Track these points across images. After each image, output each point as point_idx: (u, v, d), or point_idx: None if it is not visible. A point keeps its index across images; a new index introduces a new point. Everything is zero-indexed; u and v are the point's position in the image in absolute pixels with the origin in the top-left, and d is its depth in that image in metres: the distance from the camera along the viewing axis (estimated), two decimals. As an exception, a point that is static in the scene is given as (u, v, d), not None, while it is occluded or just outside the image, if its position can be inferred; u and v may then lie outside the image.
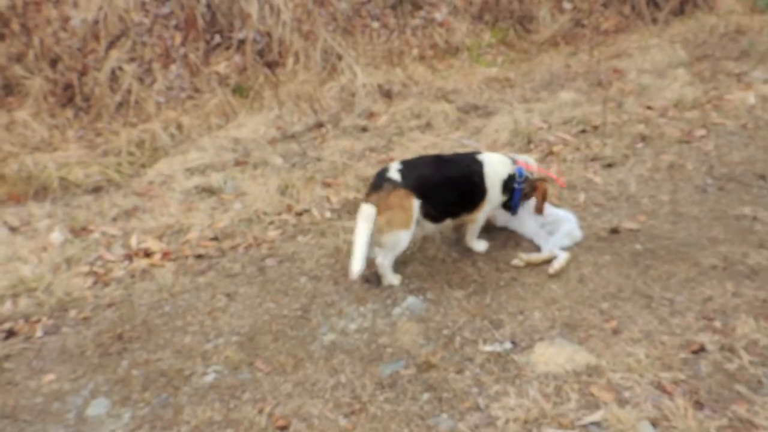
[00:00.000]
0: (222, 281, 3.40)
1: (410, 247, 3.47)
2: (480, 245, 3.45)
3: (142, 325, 3.08)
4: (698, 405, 2.33)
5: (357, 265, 2.92)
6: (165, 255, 3.65)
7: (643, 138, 4.66)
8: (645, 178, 4.14)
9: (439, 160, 3.27)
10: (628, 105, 5.29)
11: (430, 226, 3.26)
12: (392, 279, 3.21)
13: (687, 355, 2.58)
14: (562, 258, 3.25)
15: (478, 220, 3.35)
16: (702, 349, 2.60)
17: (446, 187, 3.16)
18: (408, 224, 3.05)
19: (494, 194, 3.28)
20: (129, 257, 3.66)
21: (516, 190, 3.32)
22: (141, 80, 5.88)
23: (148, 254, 3.66)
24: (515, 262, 3.31)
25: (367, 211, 2.99)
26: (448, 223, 3.34)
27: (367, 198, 3.06)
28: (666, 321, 2.79)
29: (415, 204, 3.06)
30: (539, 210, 3.40)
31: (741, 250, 3.26)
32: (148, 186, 4.54)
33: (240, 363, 2.77)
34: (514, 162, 3.34)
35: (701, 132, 4.68)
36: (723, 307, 2.84)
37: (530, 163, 3.45)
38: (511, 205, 3.39)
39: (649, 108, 5.20)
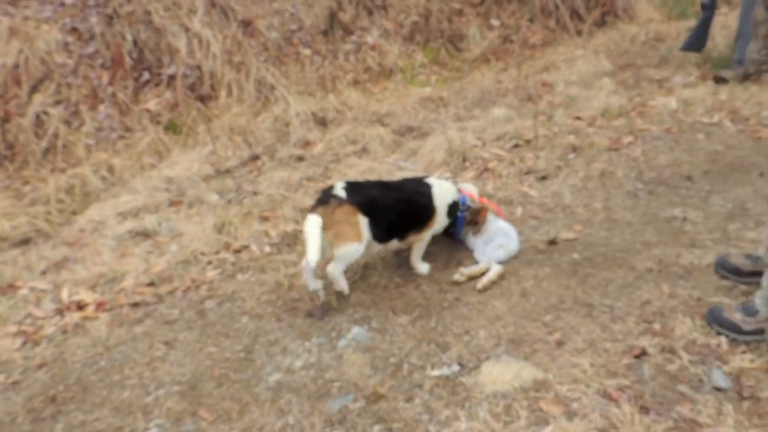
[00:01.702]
0: (160, 329, 3.27)
1: (352, 276, 3.43)
2: (423, 267, 3.45)
3: (76, 383, 2.92)
4: (644, 410, 2.35)
5: (313, 255, 2.90)
6: (99, 306, 3.49)
7: (574, 148, 4.76)
8: (578, 187, 4.23)
9: (384, 184, 3.34)
10: (558, 117, 5.41)
11: (375, 247, 3.29)
12: (344, 285, 3.19)
13: (630, 360, 2.61)
14: (492, 272, 3.27)
15: (426, 239, 3.40)
16: (644, 353, 2.64)
17: (393, 208, 3.20)
18: (359, 237, 3.08)
19: (441, 215, 3.37)
20: (60, 312, 3.49)
21: (459, 218, 3.44)
22: (68, 123, 5.68)
23: (80, 307, 3.49)
24: (456, 277, 3.32)
25: (313, 219, 2.97)
26: (394, 243, 3.35)
27: (313, 209, 3.05)
28: (608, 328, 2.83)
29: (362, 219, 3.08)
30: (477, 231, 3.53)
31: (674, 251, 3.34)
32: (79, 234, 4.36)
33: (183, 414, 2.65)
34: (459, 191, 3.47)
35: (629, 139, 4.82)
36: (661, 309, 2.90)
37: (473, 192, 3.57)
38: (453, 231, 3.51)
39: (578, 119, 5.33)
